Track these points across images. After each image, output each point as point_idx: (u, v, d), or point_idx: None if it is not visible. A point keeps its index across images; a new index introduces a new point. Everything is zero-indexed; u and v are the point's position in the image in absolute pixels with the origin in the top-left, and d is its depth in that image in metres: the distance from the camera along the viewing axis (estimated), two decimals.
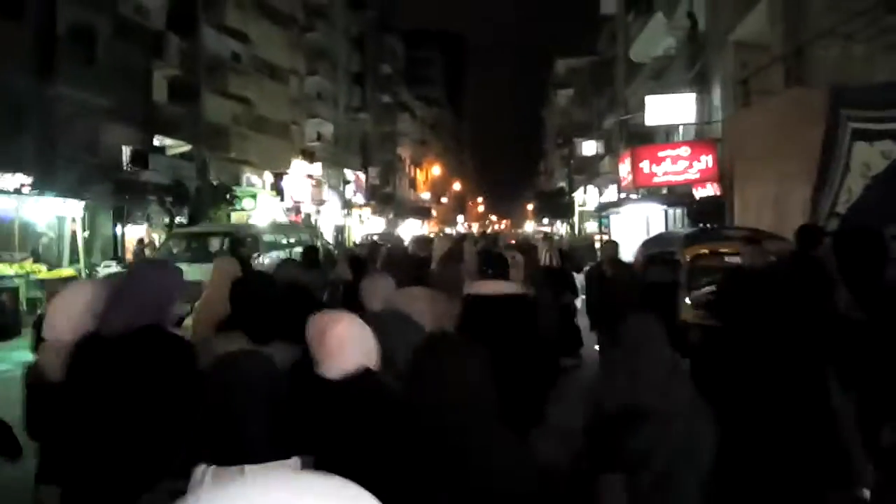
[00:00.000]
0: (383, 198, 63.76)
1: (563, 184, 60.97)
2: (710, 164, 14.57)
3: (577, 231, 38.41)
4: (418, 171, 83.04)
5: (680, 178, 14.71)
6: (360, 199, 53.57)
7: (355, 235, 46.50)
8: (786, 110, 7.70)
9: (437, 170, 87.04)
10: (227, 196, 25.27)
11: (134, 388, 2.26)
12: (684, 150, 14.61)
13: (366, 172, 56.37)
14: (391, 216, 64.30)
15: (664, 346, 2.54)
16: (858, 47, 8.91)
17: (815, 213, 6.81)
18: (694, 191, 15.19)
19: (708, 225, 9.28)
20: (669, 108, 16.83)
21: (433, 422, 1.78)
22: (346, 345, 2.21)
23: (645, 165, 14.74)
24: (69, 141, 19.31)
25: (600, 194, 27.00)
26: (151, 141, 23.58)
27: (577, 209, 41.87)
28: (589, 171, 38.80)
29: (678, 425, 2.37)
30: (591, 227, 32.74)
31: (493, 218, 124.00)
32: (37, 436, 2.53)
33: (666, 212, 11.08)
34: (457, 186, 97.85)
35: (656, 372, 2.46)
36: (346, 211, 49.44)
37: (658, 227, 11.86)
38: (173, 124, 25.21)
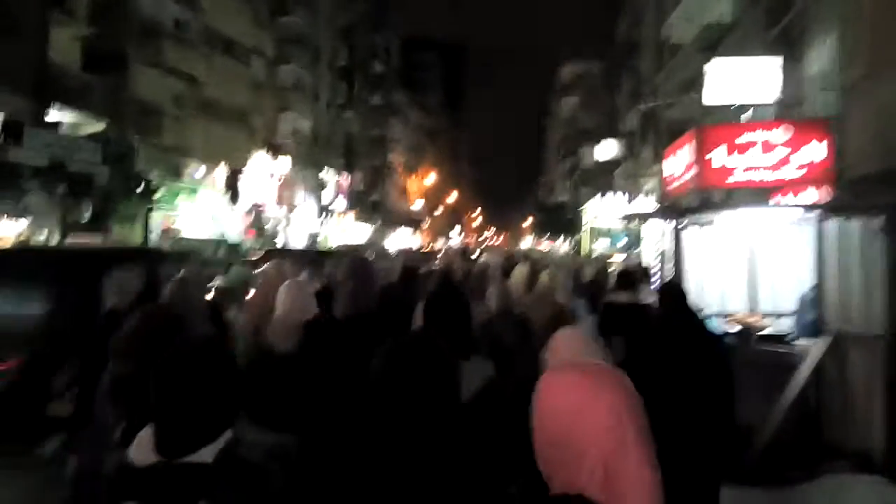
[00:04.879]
0: (369, 205, 58.69)
1: (564, 198, 55.84)
2: (820, 157, 9.27)
3: (580, 250, 33.05)
4: (411, 179, 77.73)
5: (771, 177, 9.38)
6: (341, 204, 48.25)
7: (332, 244, 40.95)
8: None
9: (431, 178, 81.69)
10: (145, 189, 19.56)
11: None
12: (782, 134, 9.29)
13: (349, 176, 51.12)
14: (378, 225, 59.27)
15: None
16: None
17: None
18: (789, 197, 9.92)
19: None
20: (741, 79, 11.51)
21: None
22: None
23: (718, 155, 9.39)
24: None
25: (629, 201, 21.57)
26: (43, 112, 18.18)
27: (583, 225, 36.57)
28: (601, 180, 33.43)
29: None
30: (602, 245, 26.86)
31: (490, 231, 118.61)
32: None
33: (820, 229, 5.58)
34: (453, 196, 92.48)
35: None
36: (323, 217, 44.04)
37: (788, 259, 6.59)
38: (85, 96, 19.90)
